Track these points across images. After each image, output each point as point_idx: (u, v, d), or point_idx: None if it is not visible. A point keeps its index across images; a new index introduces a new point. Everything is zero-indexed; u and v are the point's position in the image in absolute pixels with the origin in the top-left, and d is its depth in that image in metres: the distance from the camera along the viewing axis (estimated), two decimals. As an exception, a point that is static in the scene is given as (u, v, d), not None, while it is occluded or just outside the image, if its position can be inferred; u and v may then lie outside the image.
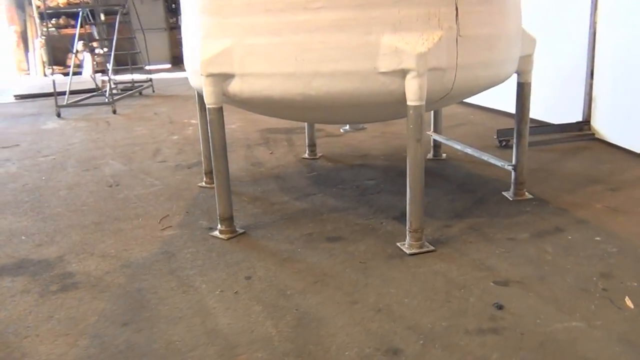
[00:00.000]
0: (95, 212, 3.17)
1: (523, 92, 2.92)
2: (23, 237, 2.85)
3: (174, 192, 3.45)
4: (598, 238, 2.51)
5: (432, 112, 3.89)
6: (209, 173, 3.51)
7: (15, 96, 8.08)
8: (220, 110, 2.57)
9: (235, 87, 2.49)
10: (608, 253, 2.36)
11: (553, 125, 4.35)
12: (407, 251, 2.44)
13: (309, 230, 2.76)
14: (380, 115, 2.81)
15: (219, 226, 2.73)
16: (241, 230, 2.76)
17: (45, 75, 11.33)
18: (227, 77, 2.49)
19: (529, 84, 2.90)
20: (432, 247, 2.46)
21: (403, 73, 2.27)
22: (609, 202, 2.93)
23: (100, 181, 3.77)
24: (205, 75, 2.49)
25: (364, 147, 4.35)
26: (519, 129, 2.98)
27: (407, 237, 2.48)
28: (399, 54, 2.25)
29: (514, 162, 3.03)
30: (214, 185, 2.70)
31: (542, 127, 4.36)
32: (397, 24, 2.26)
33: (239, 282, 2.26)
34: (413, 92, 2.27)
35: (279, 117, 3.03)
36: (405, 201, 2.44)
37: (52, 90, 6.67)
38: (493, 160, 3.20)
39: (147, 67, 8.74)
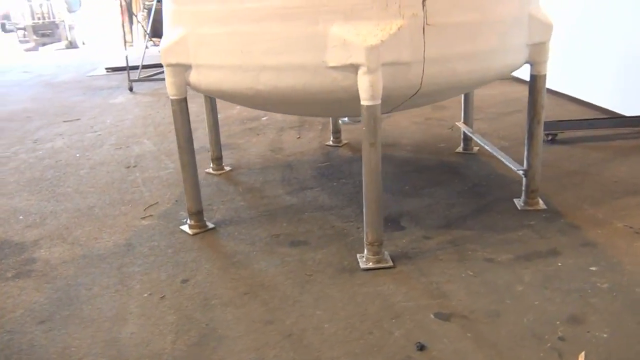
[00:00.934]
0: (97, 194, 3.23)
1: (536, 86, 2.50)
2: (20, 217, 2.97)
3: (178, 177, 3.42)
4: (594, 268, 2.09)
5: (462, 100, 3.50)
6: (215, 159, 3.45)
7: (106, 69, 8.58)
8: (183, 101, 2.46)
9: (193, 78, 2.36)
10: (595, 289, 1.95)
11: (613, 118, 3.75)
12: (362, 265, 2.20)
13: (279, 230, 2.60)
14: (343, 112, 2.54)
15: (188, 220, 2.66)
16: (211, 226, 2.66)
17: (146, 47, 11.91)
18: (186, 67, 2.36)
19: (543, 77, 2.47)
20: (390, 263, 2.20)
21: (354, 68, 2.00)
22: (635, 221, 2.44)
23: (123, 161, 3.85)
24: (165, 65, 2.39)
25: (396, 134, 4.04)
26: (530, 128, 2.56)
27: (365, 249, 2.23)
28: (348, 46, 1.98)
29: (525, 166, 2.63)
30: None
31: (599, 120, 3.76)
32: (349, 12, 1.99)
33: (173, 286, 2.17)
34: (364, 89, 2.00)
35: (250, 107, 2.86)
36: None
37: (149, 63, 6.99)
38: (506, 161, 2.80)
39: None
